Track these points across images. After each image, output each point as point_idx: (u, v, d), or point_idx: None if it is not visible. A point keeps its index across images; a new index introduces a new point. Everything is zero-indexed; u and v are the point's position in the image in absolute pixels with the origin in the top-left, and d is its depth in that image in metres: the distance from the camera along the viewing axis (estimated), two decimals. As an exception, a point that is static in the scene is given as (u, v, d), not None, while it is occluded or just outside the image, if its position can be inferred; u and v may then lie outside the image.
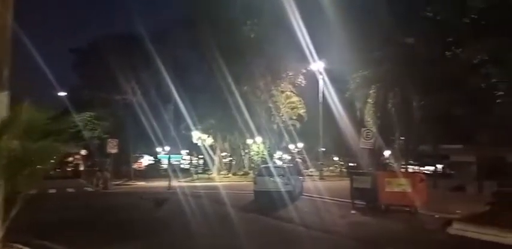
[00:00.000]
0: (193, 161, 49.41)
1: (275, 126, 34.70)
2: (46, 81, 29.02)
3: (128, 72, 32.17)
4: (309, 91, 33.42)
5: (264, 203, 14.78)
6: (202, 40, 29.73)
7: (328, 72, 28.95)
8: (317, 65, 29.44)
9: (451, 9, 7.21)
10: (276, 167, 17.41)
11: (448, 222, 9.26)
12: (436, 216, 11.07)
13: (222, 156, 38.72)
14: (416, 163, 34.55)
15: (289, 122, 35.04)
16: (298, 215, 11.91)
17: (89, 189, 24.33)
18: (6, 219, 5.31)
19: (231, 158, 40.81)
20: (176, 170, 36.53)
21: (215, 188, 21.78)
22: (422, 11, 7.40)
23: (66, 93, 34.41)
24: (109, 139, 24.15)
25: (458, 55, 7.49)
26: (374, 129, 18.50)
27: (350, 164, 42.81)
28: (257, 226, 10.35)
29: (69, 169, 43.58)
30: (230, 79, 28.41)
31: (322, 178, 31.42)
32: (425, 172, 27.84)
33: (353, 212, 12.38)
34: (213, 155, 36.73)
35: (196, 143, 35.25)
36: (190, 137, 35.17)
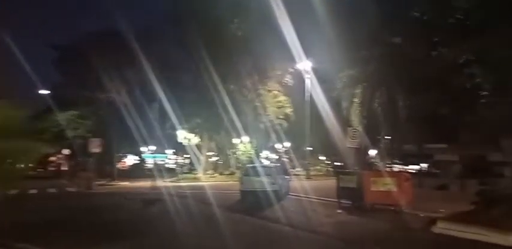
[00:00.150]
0: (178, 161, 49.03)
1: (262, 125, 34.62)
2: (27, 78, 28.43)
3: (112, 70, 31.64)
4: (296, 90, 33.43)
5: (250, 203, 14.70)
6: (188, 38, 29.42)
7: (316, 71, 29.00)
8: (304, 64, 29.47)
9: (437, 9, 7.25)
10: (262, 166, 17.32)
11: (433, 221, 9.32)
12: (421, 215, 11.15)
13: (209, 156, 38.46)
14: (401, 162, 34.97)
15: (276, 121, 35.02)
16: (285, 214, 11.85)
17: (71, 189, 23.84)
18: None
19: (218, 158, 40.60)
20: (161, 170, 36.22)
21: (201, 188, 21.58)
22: (409, 10, 7.43)
23: (48, 91, 33.68)
24: (92, 138, 23.67)
25: (444, 55, 7.51)
26: (360, 129, 18.62)
27: (336, 163, 43.09)
28: (243, 226, 10.27)
29: (52, 169, 42.83)
30: (217, 78, 28.19)
31: (308, 177, 31.48)
32: (410, 171, 28.14)
33: (339, 211, 12.40)
34: (199, 155, 36.46)
35: (182, 143, 34.91)
36: (175, 136, 34.82)
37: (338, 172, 15.16)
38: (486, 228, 7.86)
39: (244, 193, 15.66)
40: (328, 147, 36.00)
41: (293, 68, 32.04)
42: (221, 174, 35.38)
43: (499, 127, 8.84)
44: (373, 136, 25.70)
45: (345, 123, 21.91)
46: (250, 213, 12.14)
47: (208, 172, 35.55)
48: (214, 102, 29.52)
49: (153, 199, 15.95)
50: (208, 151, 37.78)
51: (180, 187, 23.79)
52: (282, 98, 34.87)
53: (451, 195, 17.56)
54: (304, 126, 31.95)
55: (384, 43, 8.74)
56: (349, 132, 15.85)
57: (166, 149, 52.03)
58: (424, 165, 30.49)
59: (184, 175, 34.20)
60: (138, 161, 48.18)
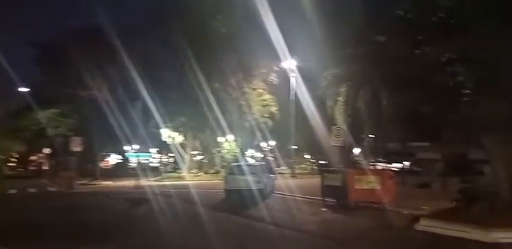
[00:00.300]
0: (163, 160, 48.58)
1: (247, 124, 34.52)
2: (6, 76, 27.69)
3: (94, 67, 30.99)
4: (281, 89, 33.44)
5: (235, 201, 14.62)
6: (171, 35, 29.05)
7: (300, 70, 29.03)
8: (289, 63, 29.48)
9: (420, 7, 7.29)
10: (247, 165, 17.25)
11: (416, 219, 9.40)
12: (404, 212, 11.26)
13: (193, 154, 38.18)
14: (384, 161, 35.39)
15: (261, 120, 34.98)
16: (269, 213, 11.81)
17: (52, 189, 23.31)
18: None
19: (202, 157, 40.35)
20: (145, 169, 35.75)
21: (185, 187, 21.39)
22: (393, 8, 7.46)
23: (28, 89, 32.85)
24: (72, 137, 23.17)
25: (427, 53, 7.56)
26: (344, 127, 18.71)
27: (321, 162, 43.36)
28: (228, 226, 10.18)
29: (33, 169, 41.94)
30: (201, 76, 27.93)
31: (293, 175, 31.57)
32: (394, 169, 28.49)
33: (324, 209, 12.43)
34: (183, 154, 36.15)
35: (166, 142, 34.55)
36: (159, 135, 34.43)
37: (322, 170, 15.22)
38: (468, 225, 7.96)
39: (228, 192, 15.57)
40: (313, 146, 36.16)
41: (278, 66, 32.00)
42: (206, 173, 35.16)
43: (481, 125, 8.95)
44: (357, 134, 25.89)
45: (329, 121, 21.98)
46: (235, 212, 12.06)
47: (192, 171, 35.28)
48: (199, 100, 29.26)
49: (136, 198, 15.71)
50: (192, 150, 37.50)
51: (164, 186, 23.56)
52: (267, 96, 34.82)
53: (433, 193, 17.83)
54: (289, 125, 31.99)
55: (369, 41, 8.75)
56: (334, 131, 15.92)
57: (150, 148, 51.49)
58: (407, 163, 30.93)
59: (169, 174, 33.89)
60: (121, 160, 47.49)
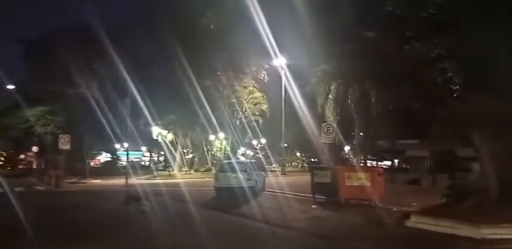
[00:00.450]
0: (154, 158, 48.27)
1: (238, 122, 34.45)
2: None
3: (82, 64, 30.59)
4: (272, 86, 33.41)
5: (226, 199, 14.53)
6: (161, 32, 28.77)
7: (291, 67, 29.02)
8: (279, 61, 29.44)
9: (409, 3, 7.28)
10: (238, 162, 17.16)
11: (406, 216, 9.44)
12: (394, 209, 11.29)
13: (184, 152, 37.98)
14: (374, 158, 35.62)
15: (252, 118, 34.94)
16: (260, 211, 11.77)
17: (40, 188, 22.96)
18: None
19: (193, 155, 40.17)
20: (135, 168, 35.43)
21: (176, 185, 21.24)
22: (382, 4, 7.42)
23: (14, 86, 32.28)
24: (60, 135, 22.83)
25: (417, 49, 7.54)
26: (334, 125, 18.71)
27: (312, 159, 43.50)
28: (218, 224, 10.09)
29: (22, 167, 41.32)
30: (191, 74, 27.71)
31: (284, 173, 31.63)
32: (383, 166, 28.69)
33: (314, 206, 12.41)
34: (174, 152, 35.94)
35: (157, 140, 34.29)
36: (150, 133, 34.19)
37: (312, 168, 15.21)
38: (457, 221, 8.00)
39: (219, 190, 15.47)
40: (304, 143, 36.25)
41: (268, 64, 31.95)
42: (196, 171, 35.03)
43: (469, 122, 8.99)
44: (347, 132, 26.00)
45: (320, 119, 22.00)
46: (225, 210, 11.98)
47: (183, 169, 35.12)
48: (189, 98, 29.07)
49: (125, 196, 15.52)
50: (183, 148, 37.30)
51: (154, 184, 23.36)
52: (258, 94, 34.81)
53: (422, 190, 17.99)
54: (280, 123, 32.01)
55: (358, 38, 8.71)
56: (323, 128, 15.90)
57: (141, 146, 51.12)
58: (396, 161, 31.17)
59: (159, 172, 33.61)
60: (110, 159, 47.05)
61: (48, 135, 33.78)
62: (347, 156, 36.32)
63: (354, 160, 29.40)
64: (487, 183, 9.13)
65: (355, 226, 9.48)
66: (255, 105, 35.32)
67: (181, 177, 29.81)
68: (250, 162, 18.13)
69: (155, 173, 32.73)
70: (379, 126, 22.28)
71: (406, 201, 12.17)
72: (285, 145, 37.39)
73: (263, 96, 34.97)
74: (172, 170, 34.41)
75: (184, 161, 36.87)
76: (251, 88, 34.43)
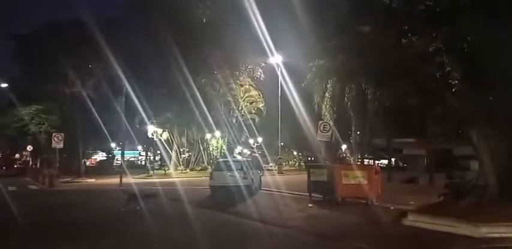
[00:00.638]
0: (149, 157, 48.05)
1: (234, 120, 34.28)
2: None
3: (77, 62, 30.27)
4: (268, 85, 33.27)
5: (221, 198, 14.36)
6: (156, 29, 28.42)
7: (287, 65, 28.85)
8: (275, 59, 29.27)
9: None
10: (233, 161, 16.97)
11: (403, 214, 9.30)
12: (391, 208, 11.17)
13: (181, 151, 37.75)
14: (371, 157, 35.59)
15: (249, 116, 34.78)
16: (256, 210, 11.62)
17: (34, 187, 22.69)
18: None
19: (190, 154, 39.97)
20: (131, 166, 35.22)
21: (171, 184, 21.05)
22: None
23: (7, 84, 31.92)
24: (54, 134, 22.57)
25: (414, 43, 7.37)
26: (331, 123, 18.57)
27: (309, 158, 43.44)
28: (213, 223, 9.89)
29: (17, 166, 40.98)
30: (187, 72, 27.47)
31: (280, 172, 31.54)
32: (380, 165, 28.63)
33: (310, 205, 12.26)
34: (169, 151, 35.72)
35: (153, 138, 34.07)
36: (146, 132, 33.96)
37: (309, 166, 15.06)
38: (456, 220, 7.87)
39: (214, 188, 15.30)
40: (301, 142, 36.19)
41: (264, 62, 31.77)
42: (192, 170, 34.81)
43: (467, 118, 8.86)
44: (344, 130, 25.87)
45: (316, 117, 21.86)
46: (221, 209, 11.80)
47: (179, 168, 34.91)
48: (185, 96, 28.85)
49: (119, 196, 15.32)
50: (179, 147, 37.07)
51: (149, 183, 23.14)
52: (254, 93, 34.66)
53: (419, 188, 17.90)
54: (276, 121, 31.89)
55: (354, 32, 8.54)
56: (320, 126, 15.78)
57: (137, 145, 50.90)
58: (393, 159, 31.12)
59: (155, 171, 33.37)
60: (105, 158, 46.80)
61: (42, 134, 33.44)
62: (344, 155, 36.29)
63: (351, 159, 29.31)
64: (485, 181, 9.01)
65: (352, 225, 9.34)
66: (251, 103, 35.16)
67: (177, 176, 29.63)
68: (247, 161, 17.97)
69: (151, 172, 32.50)
70: (376, 124, 22.17)
71: (403, 199, 12.05)
72: (282, 143, 37.27)
73: (259, 94, 34.82)
74: (168, 169, 34.20)
75: (180, 160, 36.61)
76: (247, 86, 34.27)
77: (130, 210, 11.25)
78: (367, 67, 9.14)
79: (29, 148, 34.92)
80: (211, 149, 35.61)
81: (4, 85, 31.84)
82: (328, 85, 19.70)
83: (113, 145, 42.85)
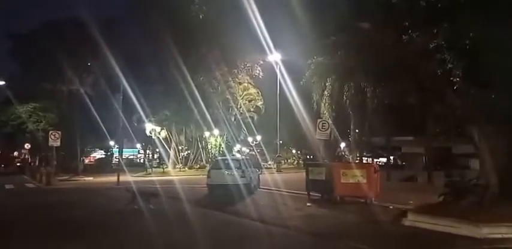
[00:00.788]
0: (148, 155, 47.90)
1: (233, 118, 34.13)
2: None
3: (74, 60, 30.04)
4: (267, 83, 33.13)
5: (219, 197, 14.23)
6: (154, 26, 28.23)
7: (286, 63, 28.71)
8: (274, 56, 29.12)
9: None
10: (231, 159, 16.82)
11: (403, 214, 9.20)
12: (390, 207, 11.07)
13: (179, 149, 37.60)
14: (370, 155, 35.52)
15: (247, 114, 34.64)
16: (253, 209, 11.50)
17: (31, 185, 22.55)
18: None
19: (188, 152, 39.83)
20: (129, 165, 35.06)
21: (169, 182, 20.94)
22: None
23: (4, 82, 31.69)
24: (51, 131, 22.42)
25: (414, 40, 7.23)
26: (330, 121, 18.45)
27: (308, 156, 43.35)
28: (212, 222, 9.76)
29: (17, 164, 40.83)
30: (185, 69, 27.28)
31: (279, 170, 31.44)
32: (379, 163, 28.56)
33: (309, 204, 12.14)
34: (168, 149, 35.58)
35: (151, 136, 33.91)
36: (144, 130, 33.80)
37: (307, 164, 14.93)
38: (457, 220, 7.75)
39: (212, 187, 15.15)
40: (299, 140, 36.08)
41: (263, 60, 31.60)
42: (191, 168, 34.67)
43: (468, 117, 8.72)
44: (342, 128, 25.76)
45: (315, 116, 21.75)
46: (219, 208, 11.67)
47: (177, 166, 34.77)
48: (183, 94, 28.68)
49: (116, 194, 15.20)
50: (177, 145, 36.92)
51: (147, 181, 23.03)
52: (253, 91, 34.49)
53: (418, 187, 17.84)
54: (275, 119, 31.77)
55: (353, 29, 8.39)
56: (319, 124, 15.65)
57: (136, 143, 50.70)
58: (392, 157, 31.04)
59: (153, 170, 33.22)
60: (104, 156, 46.64)
61: (40, 132, 33.26)
62: (342, 153, 36.19)
63: (350, 157, 29.22)
64: (486, 180, 8.88)
65: (351, 224, 9.23)
66: (250, 101, 35.01)
67: (175, 174, 29.53)
68: (245, 159, 17.82)
69: (149, 170, 32.37)
70: (374, 123, 22.06)
71: (403, 198, 11.95)
72: (281, 141, 37.16)
73: (258, 92, 34.67)
74: (166, 167, 34.06)
75: (179, 158, 36.46)
76: (246, 84, 34.10)
77: (133, 209, 11.09)
78: (366, 64, 9.00)
79: (27, 146, 34.75)
80: (209, 147, 35.46)
81: (2, 83, 31.59)
82: (327, 84, 19.58)
83: (112, 143, 42.69)
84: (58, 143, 21.45)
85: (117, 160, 39.27)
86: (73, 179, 27.44)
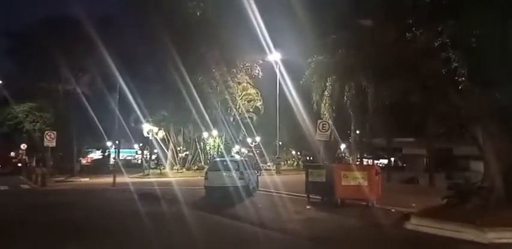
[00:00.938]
0: (145, 156, 47.59)
1: (232, 119, 33.83)
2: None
3: (71, 59, 29.76)
4: (266, 83, 32.86)
5: (217, 199, 13.93)
6: (151, 25, 27.91)
7: (285, 63, 28.47)
8: (274, 56, 28.87)
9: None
10: (230, 161, 16.50)
11: (405, 217, 8.92)
12: (392, 210, 10.78)
13: (177, 150, 37.29)
14: (370, 156, 35.24)
15: (246, 115, 34.35)
16: (251, 211, 11.23)
17: (26, 186, 22.25)
18: None
19: (186, 153, 39.52)
20: (126, 165, 34.73)
21: (167, 184, 20.65)
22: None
23: (0, 82, 31.41)
24: (46, 132, 22.12)
25: (418, 38, 6.96)
26: (330, 122, 18.21)
27: (307, 157, 43.07)
28: (208, 226, 9.47)
29: (13, 165, 40.47)
30: (183, 69, 26.99)
31: (278, 172, 31.14)
32: (379, 165, 28.27)
33: (308, 207, 11.84)
34: (165, 150, 35.27)
35: (149, 137, 33.63)
36: (142, 130, 33.51)
37: (307, 166, 14.62)
38: (461, 224, 7.46)
39: (209, 189, 14.82)
40: (299, 141, 35.81)
41: (263, 60, 31.33)
42: (189, 169, 34.34)
43: (473, 117, 8.44)
44: (343, 130, 25.49)
45: (315, 116, 21.50)
46: (216, 211, 11.37)
47: (175, 167, 34.46)
48: (181, 94, 28.37)
49: (112, 196, 14.96)
50: (176, 145, 36.61)
51: (144, 183, 22.78)
52: (252, 91, 34.20)
53: (420, 189, 17.58)
54: (274, 120, 31.50)
55: (354, 26, 8.12)
56: (319, 125, 15.38)
57: (134, 143, 50.41)
58: (392, 159, 30.76)
59: (151, 171, 32.92)
60: (100, 157, 46.32)
61: (36, 132, 32.95)
62: (343, 154, 35.92)
63: (350, 158, 28.96)
64: (491, 183, 8.60)
65: (352, 228, 8.93)
66: (249, 101, 34.71)
67: (172, 176, 29.22)
68: (244, 160, 17.52)
69: (146, 171, 32.07)
70: (375, 124, 21.80)
71: (404, 201, 11.67)
72: (280, 142, 36.88)
73: (257, 93, 34.37)
74: (163, 169, 33.75)
75: (177, 159, 36.14)
76: (245, 84, 33.79)
77: (122, 212, 10.81)
78: (367, 63, 8.72)
79: (23, 146, 34.39)
80: (208, 148, 35.14)
81: (-2, 82, 31.35)
82: (327, 84, 19.33)
83: (109, 143, 42.42)
84: (53, 144, 21.15)
85: (114, 160, 38.92)
86: (69, 180, 27.13)
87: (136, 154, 59.63)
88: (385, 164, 29.19)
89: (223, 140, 35.23)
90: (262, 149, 38.64)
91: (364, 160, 29.28)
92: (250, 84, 33.91)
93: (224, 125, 32.86)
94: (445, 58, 7.00)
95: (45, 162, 27.17)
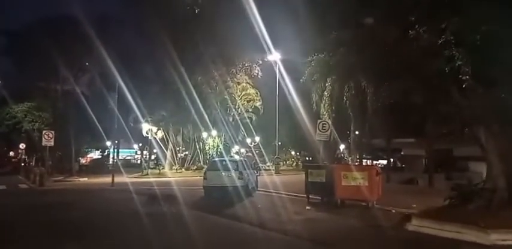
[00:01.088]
0: (144, 156, 47.47)
1: (231, 119, 33.71)
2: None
3: (69, 59, 29.61)
4: (266, 83, 32.76)
5: (216, 199, 13.83)
6: (149, 24, 27.78)
7: (285, 63, 28.36)
8: (273, 56, 28.77)
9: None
10: (229, 160, 16.40)
11: (406, 218, 8.82)
12: (393, 211, 10.69)
13: (177, 150, 37.16)
14: (369, 157, 35.18)
15: (246, 115, 34.24)
16: (250, 212, 11.13)
17: (24, 186, 22.12)
18: None
19: (185, 153, 39.40)
20: (125, 165, 34.62)
21: (165, 184, 20.53)
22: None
23: (-1, 81, 31.34)
24: (44, 131, 22.00)
25: (421, 36, 6.85)
26: (330, 122, 18.12)
27: (307, 158, 43.00)
28: (207, 226, 9.35)
29: (12, 164, 40.35)
30: (183, 69, 26.88)
31: (278, 172, 31.06)
32: (379, 165, 28.19)
33: (308, 207, 11.74)
34: (165, 149, 35.15)
35: (148, 137, 33.50)
36: (142, 130, 33.40)
37: (307, 166, 14.51)
38: (464, 225, 7.35)
39: (208, 189, 14.72)
40: (299, 141, 35.74)
41: (262, 60, 31.23)
42: (188, 169, 34.22)
43: (476, 117, 8.33)
44: (342, 130, 25.42)
45: (315, 117, 21.41)
46: (215, 212, 11.25)
47: (174, 167, 34.34)
48: (181, 94, 28.26)
49: (110, 196, 14.84)
50: (175, 145, 36.48)
51: (143, 183, 22.66)
52: (252, 91, 34.09)
53: (419, 189, 17.52)
54: (274, 120, 31.40)
55: (356, 24, 8.02)
56: (319, 125, 15.28)
57: (133, 143, 50.30)
58: (392, 160, 30.69)
59: (150, 171, 32.81)
60: (99, 156, 46.22)
61: (35, 132, 32.82)
62: (342, 155, 35.85)
63: (349, 159, 28.87)
64: (494, 183, 8.49)
65: (352, 229, 8.82)
66: (248, 101, 34.59)
67: (171, 175, 29.12)
68: (243, 160, 17.42)
69: (145, 171, 31.95)
70: (375, 124, 21.71)
71: (405, 202, 11.58)
72: (279, 143, 36.78)
73: (257, 93, 34.26)
74: (162, 169, 33.63)
75: (176, 159, 36.02)
76: (244, 84, 33.67)
77: (119, 212, 10.70)
78: (368, 62, 8.60)
79: (22, 145, 34.27)
80: (207, 148, 35.01)
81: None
82: (327, 84, 19.26)
83: (108, 143, 42.31)
84: (52, 143, 21.03)
85: (113, 160, 38.82)
86: (67, 180, 27.00)
87: (136, 154, 59.53)
88: (385, 165, 29.12)
89: (223, 140, 35.11)
90: (262, 149, 38.53)
91: (363, 160, 29.20)
92: (249, 84, 33.79)
93: (223, 126, 32.74)
94: (448, 56, 6.88)
95: (44, 162, 27.03)
